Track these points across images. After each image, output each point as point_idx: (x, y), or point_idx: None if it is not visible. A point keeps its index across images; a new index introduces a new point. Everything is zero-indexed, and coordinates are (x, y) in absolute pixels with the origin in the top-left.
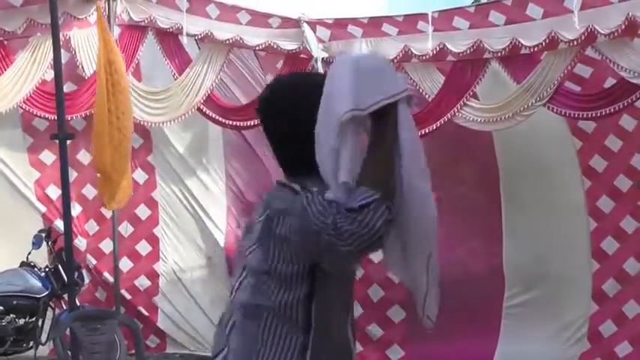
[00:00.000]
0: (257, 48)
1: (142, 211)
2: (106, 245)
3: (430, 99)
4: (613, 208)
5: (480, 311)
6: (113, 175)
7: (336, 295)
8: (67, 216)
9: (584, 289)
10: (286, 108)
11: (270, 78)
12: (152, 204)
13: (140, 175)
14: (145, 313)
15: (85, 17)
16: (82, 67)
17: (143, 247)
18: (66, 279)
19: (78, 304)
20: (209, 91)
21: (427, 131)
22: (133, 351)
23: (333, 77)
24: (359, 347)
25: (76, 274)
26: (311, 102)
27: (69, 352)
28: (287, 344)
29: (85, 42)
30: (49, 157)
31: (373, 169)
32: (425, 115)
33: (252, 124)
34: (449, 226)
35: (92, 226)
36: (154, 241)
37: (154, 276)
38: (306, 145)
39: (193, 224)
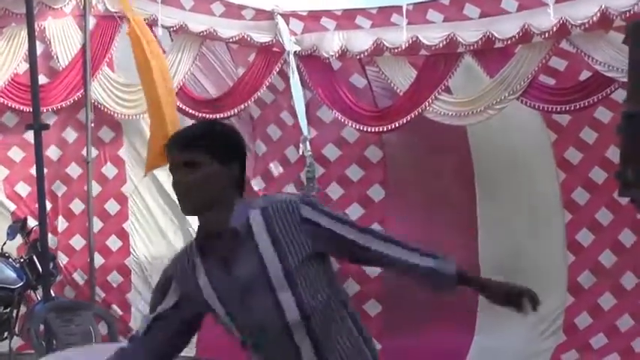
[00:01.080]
0: (230, 40)
1: (112, 206)
2: (77, 242)
3: (402, 93)
4: (588, 200)
5: (456, 304)
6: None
7: None
8: (41, 206)
9: (560, 282)
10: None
11: (241, 71)
12: (122, 199)
13: (110, 169)
14: (119, 312)
15: (61, 7)
16: (57, 57)
17: (113, 243)
18: (41, 270)
19: (53, 295)
20: (181, 84)
21: (398, 125)
22: None
23: None
24: None
25: (51, 264)
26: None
27: (43, 343)
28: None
29: (60, 32)
30: (18, 153)
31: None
32: (396, 109)
33: (223, 116)
34: (423, 220)
35: (62, 223)
36: (123, 236)
37: (126, 272)
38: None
39: (164, 218)
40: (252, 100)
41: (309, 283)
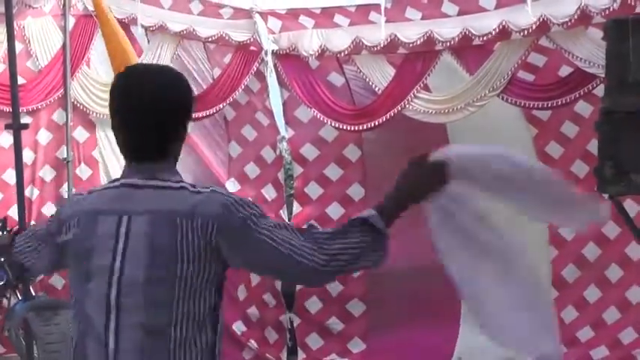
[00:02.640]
0: (209, 40)
1: None
2: None
3: (380, 91)
4: None
5: (440, 302)
6: None
7: None
8: (20, 205)
9: (544, 276)
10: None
11: (217, 72)
12: None
13: (84, 171)
14: None
15: (40, 7)
16: (37, 57)
17: None
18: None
19: (33, 294)
20: None
21: (377, 123)
22: None
23: None
24: (320, 341)
25: None
26: (158, 93)
27: (23, 341)
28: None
29: (40, 32)
30: None
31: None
32: (375, 107)
33: (199, 116)
34: (403, 218)
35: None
36: None
37: None
38: (179, 138)
39: None
40: (230, 100)
41: None
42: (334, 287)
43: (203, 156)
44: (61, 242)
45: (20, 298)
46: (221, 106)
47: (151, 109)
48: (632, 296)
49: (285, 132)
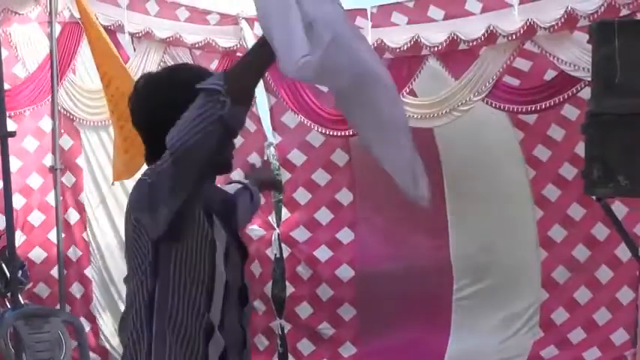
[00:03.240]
0: (195, 46)
1: (71, 216)
2: (37, 255)
3: None
4: (559, 196)
5: (430, 305)
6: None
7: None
8: (8, 213)
9: (534, 278)
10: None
11: None
12: (80, 208)
13: (69, 178)
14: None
15: (26, 13)
16: (25, 63)
17: (73, 253)
18: (9, 277)
19: (22, 302)
20: None
21: None
22: None
23: None
24: (311, 346)
25: (20, 272)
26: (149, 92)
27: (12, 351)
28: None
29: (26, 38)
30: None
31: (244, 64)
32: None
33: None
34: (394, 222)
35: (19, 238)
36: (83, 245)
37: (87, 282)
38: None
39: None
40: None
41: None
42: (324, 292)
43: None
44: None
45: (9, 306)
46: None
47: (133, 115)
48: (622, 297)
49: (273, 138)
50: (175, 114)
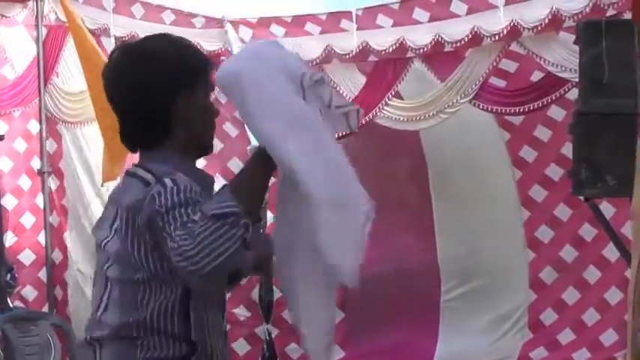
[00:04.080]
0: None
1: (54, 219)
2: (26, 256)
3: (351, 100)
4: (546, 196)
5: (418, 307)
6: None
7: (213, 294)
8: None
9: (521, 279)
10: (133, 76)
11: None
12: (63, 211)
13: (53, 182)
14: None
15: (12, 16)
16: (12, 65)
17: (56, 256)
18: None
19: (11, 305)
20: None
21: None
22: None
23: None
24: (299, 350)
25: (9, 275)
26: (168, 68)
27: (2, 354)
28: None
29: (13, 41)
30: None
31: (250, 180)
32: None
33: None
34: (380, 226)
35: (10, 238)
36: (63, 249)
37: (65, 286)
38: (160, 122)
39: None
40: None
41: None
42: None
43: None
44: None
45: None
46: None
47: (110, 96)
48: (610, 298)
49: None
50: (164, 95)
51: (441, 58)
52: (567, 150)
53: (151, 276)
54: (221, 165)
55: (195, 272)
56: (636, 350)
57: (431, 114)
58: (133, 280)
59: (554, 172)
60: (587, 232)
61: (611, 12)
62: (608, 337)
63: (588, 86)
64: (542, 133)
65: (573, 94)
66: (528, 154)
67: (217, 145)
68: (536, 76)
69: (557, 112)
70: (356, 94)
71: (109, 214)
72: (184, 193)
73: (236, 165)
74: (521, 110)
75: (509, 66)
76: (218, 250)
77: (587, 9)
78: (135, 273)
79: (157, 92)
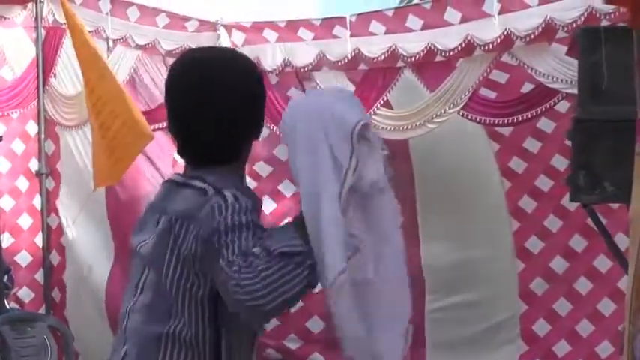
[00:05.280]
0: (171, 53)
1: (52, 221)
2: (23, 258)
3: None
4: (535, 207)
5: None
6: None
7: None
8: None
9: (511, 289)
10: (197, 84)
11: None
12: (59, 213)
13: (51, 184)
14: None
15: (12, 17)
16: (13, 67)
17: (53, 258)
18: None
19: (8, 307)
20: None
21: None
22: None
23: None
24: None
25: (6, 277)
26: (229, 81)
27: None
28: None
29: (12, 43)
30: None
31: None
32: None
33: (156, 127)
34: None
35: (7, 240)
36: (61, 250)
37: (63, 287)
38: (215, 132)
39: (101, 233)
40: None
41: None
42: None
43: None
44: None
45: None
46: None
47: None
48: (603, 309)
49: None
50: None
51: (432, 67)
52: (556, 162)
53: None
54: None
55: (255, 308)
56: (633, 358)
57: (419, 123)
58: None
59: (544, 182)
60: (578, 242)
61: (605, 23)
62: (604, 349)
63: (587, 93)
64: (532, 145)
65: (563, 106)
66: (517, 165)
67: None
68: (527, 87)
69: (546, 124)
70: None
71: (149, 220)
72: (245, 214)
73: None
74: (511, 122)
75: (501, 77)
76: (282, 289)
77: (582, 19)
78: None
79: (259, 111)
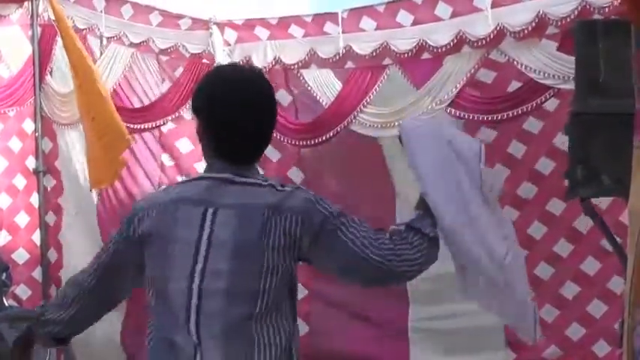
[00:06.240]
0: (165, 51)
1: (50, 218)
2: (20, 255)
3: (327, 105)
4: (518, 216)
5: (385, 325)
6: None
7: None
8: None
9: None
10: (267, 103)
11: (167, 84)
12: (59, 210)
13: (49, 181)
14: None
15: (8, 15)
16: (9, 65)
17: (50, 255)
18: None
19: (6, 305)
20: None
21: (323, 139)
22: None
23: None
24: None
25: (4, 275)
26: (273, 94)
27: None
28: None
29: (8, 40)
30: None
31: None
32: (321, 122)
33: (147, 126)
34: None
35: (4, 238)
36: (58, 248)
37: (60, 285)
38: (267, 137)
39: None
40: (176, 114)
41: None
42: None
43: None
44: (138, 237)
45: None
46: (169, 118)
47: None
48: (594, 311)
49: None
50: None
51: (419, 64)
52: (541, 166)
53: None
54: (188, 165)
55: (407, 273)
56: (632, 350)
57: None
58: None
59: (527, 190)
60: (563, 247)
61: (598, 17)
62: (601, 348)
63: (584, 86)
64: (517, 149)
65: (551, 103)
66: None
67: (187, 146)
68: (514, 86)
69: (532, 125)
70: (332, 99)
71: (192, 214)
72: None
73: (202, 167)
74: (497, 119)
75: (487, 76)
76: (421, 260)
77: (575, 12)
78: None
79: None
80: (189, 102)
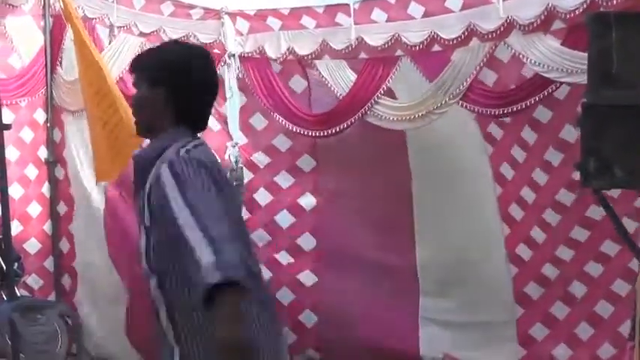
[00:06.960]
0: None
1: (61, 209)
2: (32, 245)
3: (341, 97)
4: (523, 216)
5: (396, 317)
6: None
7: None
8: (4, 205)
9: (506, 293)
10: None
11: None
12: (70, 201)
13: (59, 171)
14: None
15: (20, 6)
16: (20, 55)
17: (62, 245)
18: (5, 269)
19: (18, 294)
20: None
21: (338, 130)
22: None
23: None
24: None
25: (16, 264)
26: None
27: (9, 342)
28: None
29: (20, 31)
30: None
31: None
32: (336, 113)
33: None
34: (358, 231)
35: (16, 227)
36: (70, 238)
37: (73, 275)
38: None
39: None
40: None
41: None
42: (285, 296)
43: None
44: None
45: (5, 298)
46: None
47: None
48: (601, 311)
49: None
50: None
51: (430, 57)
52: (547, 163)
53: None
54: None
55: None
56: None
57: (420, 114)
58: None
59: (527, 194)
60: (564, 253)
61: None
62: (606, 351)
63: (597, 78)
64: (518, 154)
65: (560, 94)
66: (506, 171)
67: None
68: (521, 79)
69: (530, 135)
70: (347, 90)
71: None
72: None
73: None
74: (507, 111)
75: (497, 67)
76: None
77: (584, 6)
78: None
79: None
80: None
